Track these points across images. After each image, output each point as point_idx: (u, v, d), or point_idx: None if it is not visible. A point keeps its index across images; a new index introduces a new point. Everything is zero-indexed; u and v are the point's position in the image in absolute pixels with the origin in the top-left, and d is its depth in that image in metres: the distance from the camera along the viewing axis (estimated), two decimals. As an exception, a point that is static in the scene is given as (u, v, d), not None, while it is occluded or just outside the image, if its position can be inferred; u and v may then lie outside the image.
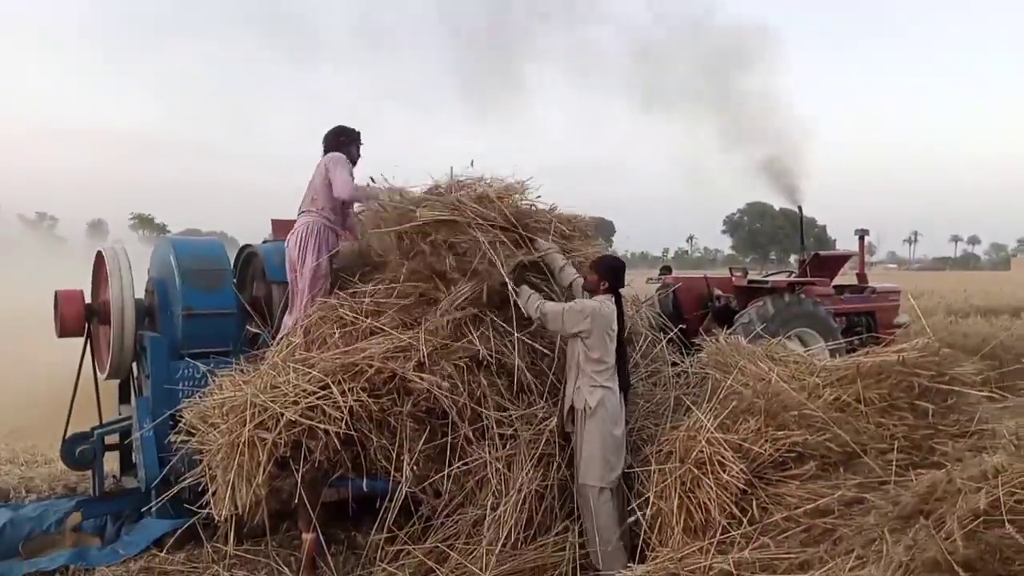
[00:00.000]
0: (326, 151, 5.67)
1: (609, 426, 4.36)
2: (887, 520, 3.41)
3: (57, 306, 5.60)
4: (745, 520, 3.88)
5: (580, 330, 4.42)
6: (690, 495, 4.07)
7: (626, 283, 4.82)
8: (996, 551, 2.92)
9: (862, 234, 11.17)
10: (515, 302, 4.63)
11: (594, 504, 4.30)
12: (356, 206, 5.75)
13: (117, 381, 6.10)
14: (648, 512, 4.18)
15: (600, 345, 4.41)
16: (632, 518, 4.32)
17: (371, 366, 4.27)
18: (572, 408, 4.46)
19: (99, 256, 5.79)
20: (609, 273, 4.59)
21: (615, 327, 4.50)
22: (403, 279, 4.90)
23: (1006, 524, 2.92)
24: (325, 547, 4.51)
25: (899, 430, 4.32)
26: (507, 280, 4.58)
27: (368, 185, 5.42)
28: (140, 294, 5.72)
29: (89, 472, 5.78)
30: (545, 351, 4.91)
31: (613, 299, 4.56)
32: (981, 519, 2.99)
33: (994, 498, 3.01)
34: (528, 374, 4.74)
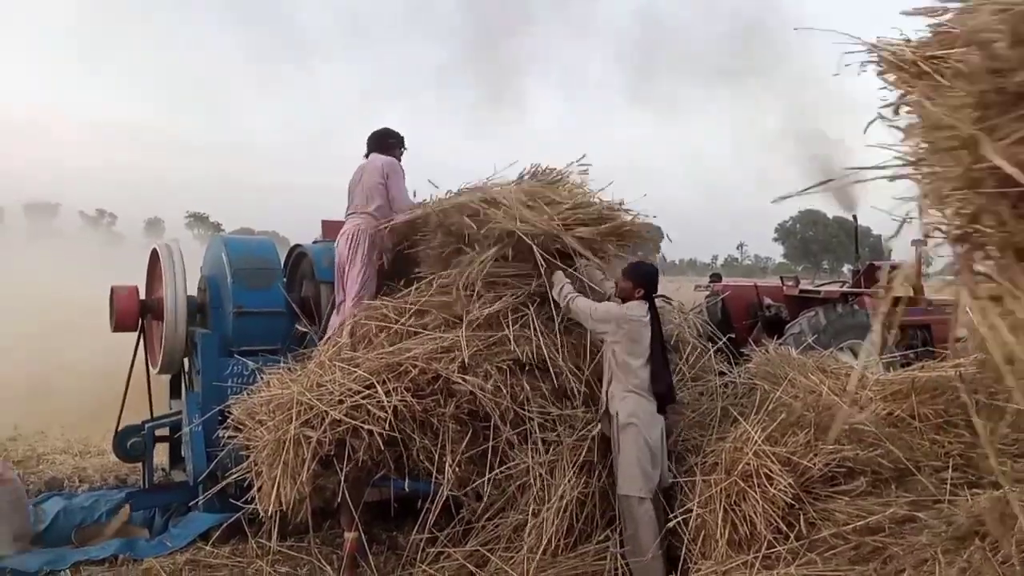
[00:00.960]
0: (372, 151, 5.72)
1: (644, 435, 4.31)
2: (940, 540, 3.32)
3: (112, 301, 5.73)
4: (792, 535, 3.80)
5: (603, 332, 4.46)
6: (735, 508, 4.00)
7: (673, 290, 4.78)
8: (1056, 577, 2.82)
9: (918, 244, 10.87)
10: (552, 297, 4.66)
11: (635, 514, 4.25)
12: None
13: (168, 376, 6.23)
14: (692, 524, 4.12)
15: (630, 351, 4.39)
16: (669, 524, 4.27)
17: (415, 366, 4.29)
18: (607, 412, 4.43)
19: (154, 253, 5.92)
20: (642, 279, 4.57)
21: (647, 333, 4.46)
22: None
23: (1067, 549, 2.82)
24: (367, 546, 4.53)
25: (954, 448, 4.19)
26: (537, 253, 4.61)
27: (423, 201, 5.51)
28: (193, 291, 5.83)
29: (139, 464, 5.91)
30: (589, 353, 4.89)
31: (646, 305, 4.52)
32: (1041, 543, 2.89)
33: (1055, 521, 2.90)
34: (572, 378, 4.72)
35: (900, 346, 8.87)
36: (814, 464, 3.98)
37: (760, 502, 3.89)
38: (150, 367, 6.07)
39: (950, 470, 4.00)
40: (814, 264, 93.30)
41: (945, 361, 4.66)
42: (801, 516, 3.85)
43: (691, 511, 4.12)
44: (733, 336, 8.68)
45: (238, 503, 4.53)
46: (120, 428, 5.71)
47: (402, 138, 5.88)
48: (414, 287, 5.07)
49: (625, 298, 4.58)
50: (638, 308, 4.49)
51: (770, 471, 3.96)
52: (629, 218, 5.10)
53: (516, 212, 4.67)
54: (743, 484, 3.99)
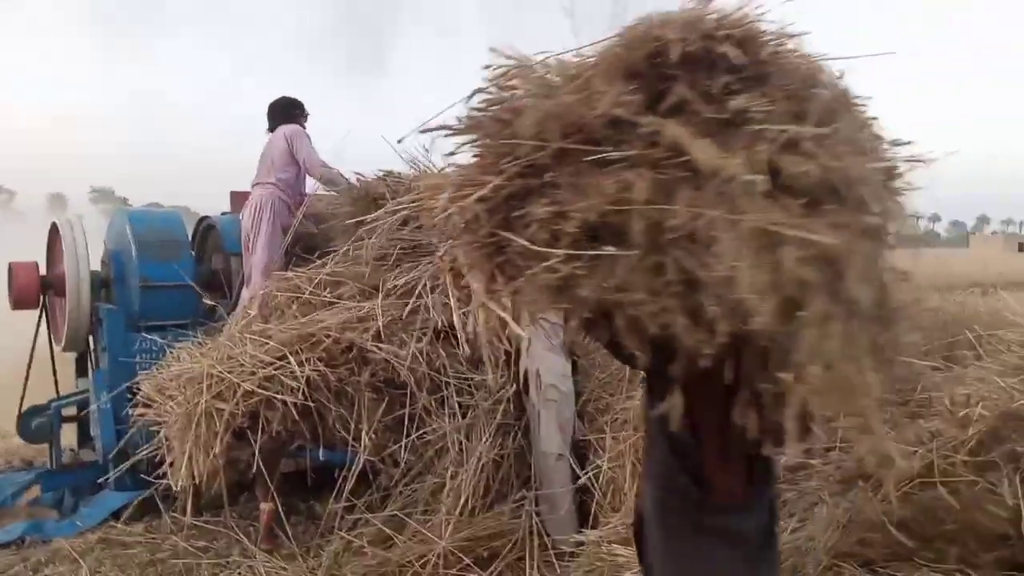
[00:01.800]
0: (276, 123, 5.67)
1: (562, 392, 4.43)
2: (829, 484, 3.54)
3: (11, 278, 5.53)
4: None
5: None
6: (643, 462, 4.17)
7: None
8: (929, 512, 3.05)
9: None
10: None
11: (551, 471, 4.37)
12: (312, 184, 5.75)
13: (74, 354, 6.06)
14: (602, 479, 4.27)
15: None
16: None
17: (328, 336, 4.29)
18: (527, 372, 4.51)
19: (54, 228, 5.72)
20: None
21: None
22: None
23: (938, 485, 3.05)
24: (284, 517, 4.54)
25: (846, 399, 4.45)
26: None
27: (335, 169, 5.49)
28: (97, 267, 5.67)
29: (46, 445, 5.75)
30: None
31: None
32: (916, 481, 3.13)
33: (928, 462, 3.14)
34: (488, 344, 4.79)
35: None
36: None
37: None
38: (54, 345, 5.88)
39: (842, 418, 4.24)
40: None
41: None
42: (705, 466, 4.04)
43: (601, 468, 4.27)
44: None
45: (150, 479, 4.47)
46: (24, 409, 5.53)
47: (302, 105, 5.83)
48: (328, 258, 5.06)
49: None
50: None
51: (675, 426, 4.13)
52: None
53: None
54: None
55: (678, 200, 1.45)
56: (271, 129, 5.74)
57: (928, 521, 3.03)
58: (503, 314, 1.70)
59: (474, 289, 1.71)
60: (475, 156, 1.73)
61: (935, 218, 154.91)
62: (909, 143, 1.96)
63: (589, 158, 1.55)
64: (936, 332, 6.00)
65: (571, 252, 1.53)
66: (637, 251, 1.47)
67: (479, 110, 1.72)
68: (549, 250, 1.54)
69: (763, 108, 1.48)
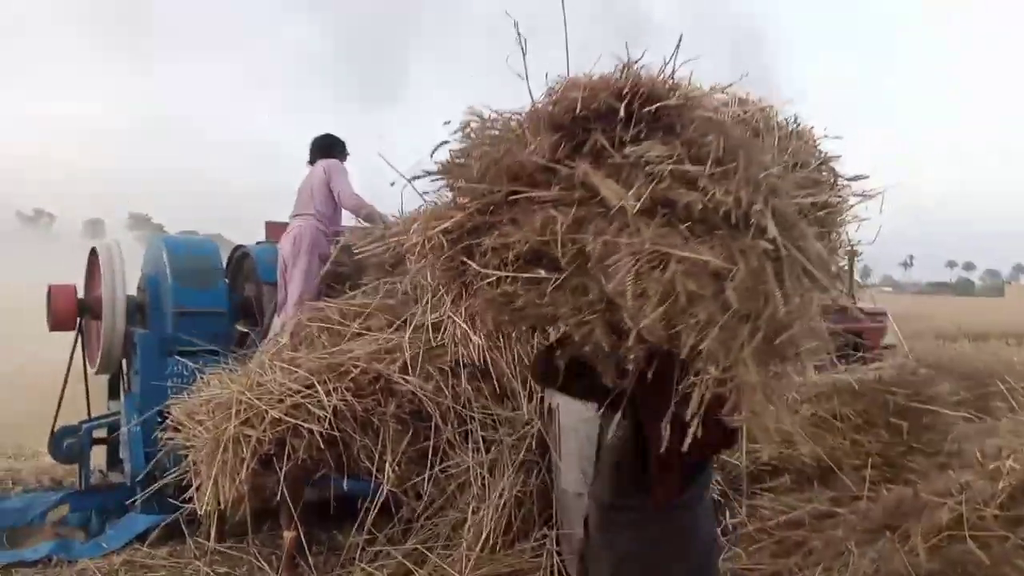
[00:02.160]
0: (315, 158, 5.81)
1: (585, 430, 4.41)
2: (856, 534, 3.50)
3: (50, 300, 5.65)
4: (719, 531, 3.95)
5: None
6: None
7: None
8: (958, 566, 3.00)
9: (850, 255, 11.23)
10: None
11: (570, 509, 4.34)
12: (348, 217, 5.86)
13: (107, 377, 6.16)
14: None
15: None
16: None
17: (356, 366, 4.34)
18: (549, 407, 4.50)
19: (93, 252, 5.86)
20: None
21: None
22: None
23: (968, 539, 3.00)
24: (306, 546, 4.55)
25: (874, 447, 4.41)
26: None
27: (370, 205, 5.60)
28: (133, 291, 5.78)
29: (76, 466, 5.82)
30: (530, 356, 4.98)
31: None
32: (944, 534, 3.08)
33: (957, 514, 3.09)
34: (515, 379, 4.81)
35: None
36: (739, 462, 4.15)
37: (689, 499, 4.04)
38: (88, 367, 5.99)
39: (868, 468, 4.20)
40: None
41: (866, 365, 4.89)
42: (728, 512, 4.01)
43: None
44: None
45: (176, 503, 4.52)
46: (56, 429, 5.62)
47: (343, 143, 5.99)
48: (359, 291, 5.13)
49: None
50: None
51: (699, 469, 4.11)
52: None
53: None
54: (673, 482, 4.14)
55: (590, 230, 1.80)
56: (311, 163, 5.88)
57: (957, 575, 2.97)
58: (463, 325, 2.29)
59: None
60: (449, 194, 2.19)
61: (970, 266, 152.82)
62: (860, 177, 2.57)
63: (526, 196, 1.92)
64: (969, 382, 5.93)
65: (506, 274, 1.93)
66: (558, 274, 1.84)
67: (452, 157, 2.15)
68: (490, 271, 1.94)
69: (660, 153, 1.81)
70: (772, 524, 3.89)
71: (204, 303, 5.48)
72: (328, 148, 5.91)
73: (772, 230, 1.79)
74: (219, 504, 4.13)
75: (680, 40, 2.05)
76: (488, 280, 1.95)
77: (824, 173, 2.67)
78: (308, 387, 4.24)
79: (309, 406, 4.16)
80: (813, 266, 1.90)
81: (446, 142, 2.15)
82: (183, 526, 4.79)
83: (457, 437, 4.52)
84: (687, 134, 1.88)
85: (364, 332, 4.70)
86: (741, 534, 3.93)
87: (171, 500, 4.64)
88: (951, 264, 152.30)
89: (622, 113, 1.89)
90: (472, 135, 2.12)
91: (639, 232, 1.74)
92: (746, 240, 1.75)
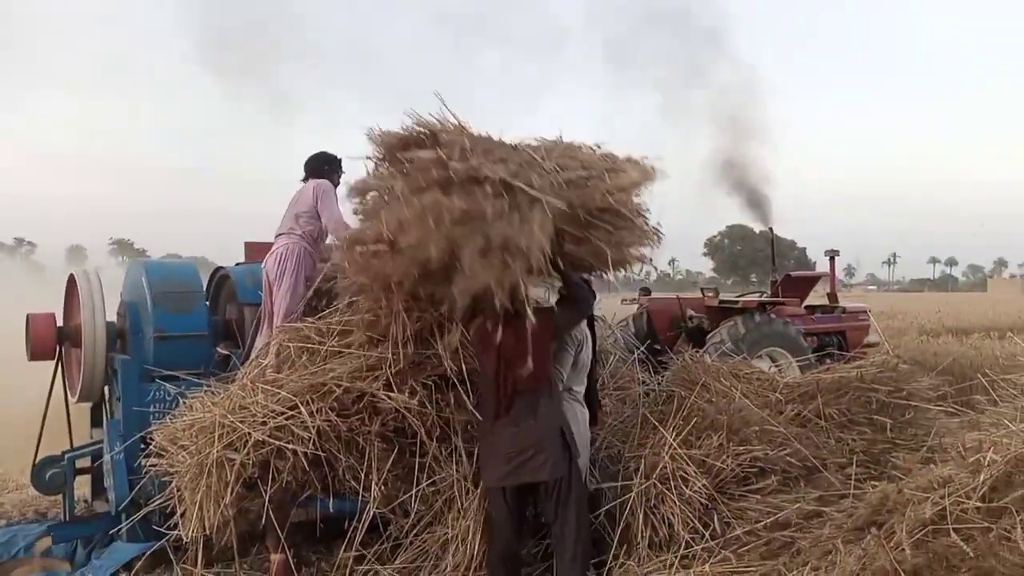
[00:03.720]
0: (308, 176, 5.77)
1: (580, 442, 4.37)
2: (842, 532, 3.51)
3: (28, 329, 5.60)
4: (707, 534, 3.96)
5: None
6: (654, 511, 4.15)
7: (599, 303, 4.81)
8: (942, 559, 3.02)
9: (832, 255, 11.36)
10: None
11: None
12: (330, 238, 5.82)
13: (89, 405, 6.10)
14: (617, 528, 4.24)
15: (564, 364, 4.41)
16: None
17: (339, 386, 4.31)
18: None
19: (71, 279, 5.81)
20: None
21: (588, 352, 4.45)
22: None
23: (951, 533, 3.02)
24: (294, 568, 4.52)
25: (858, 444, 4.43)
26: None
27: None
28: (113, 317, 5.74)
29: (59, 497, 5.76)
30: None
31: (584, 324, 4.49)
32: (928, 528, 3.09)
33: (940, 508, 3.11)
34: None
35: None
36: (727, 465, 4.16)
37: (677, 504, 4.05)
38: (69, 395, 5.93)
39: (854, 466, 4.22)
40: (743, 277, 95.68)
41: (848, 364, 4.92)
42: (716, 515, 4.01)
43: (614, 515, 4.24)
44: (658, 347, 8.94)
45: (162, 530, 4.48)
46: (38, 460, 5.56)
47: (339, 162, 5.89)
48: (337, 307, 5.10)
49: None
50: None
51: (686, 473, 4.12)
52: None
53: None
54: (661, 487, 4.15)
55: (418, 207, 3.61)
56: (304, 180, 5.83)
57: (942, 569, 2.99)
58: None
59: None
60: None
61: (952, 262, 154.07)
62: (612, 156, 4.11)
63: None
64: (951, 377, 5.97)
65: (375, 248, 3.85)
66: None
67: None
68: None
69: (429, 156, 3.66)
70: (760, 526, 3.89)
71: (185, 327, 5.45)
72: (319, 166, 5.85)
73: (495, 173, 3.48)
74: (204, 529, 4.10)
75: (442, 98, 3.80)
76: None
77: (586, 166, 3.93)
78: (291, 408, 4.22)
79: (293, 427, 4.14)
80: (540, 193, 3.52)
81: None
82: (170, 553, 4.73)
83: (443, 451, 4.51)
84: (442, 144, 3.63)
85: (343, 350, 4.67)
86: (730, 537, 3.93)
87: (156, 527, 4.60)
88: (934, 260, 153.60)
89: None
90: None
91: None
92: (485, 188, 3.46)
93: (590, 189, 3.84)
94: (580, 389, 4.41)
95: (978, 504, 3.06)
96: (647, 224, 4.14)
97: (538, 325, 3.83)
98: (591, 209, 3.84)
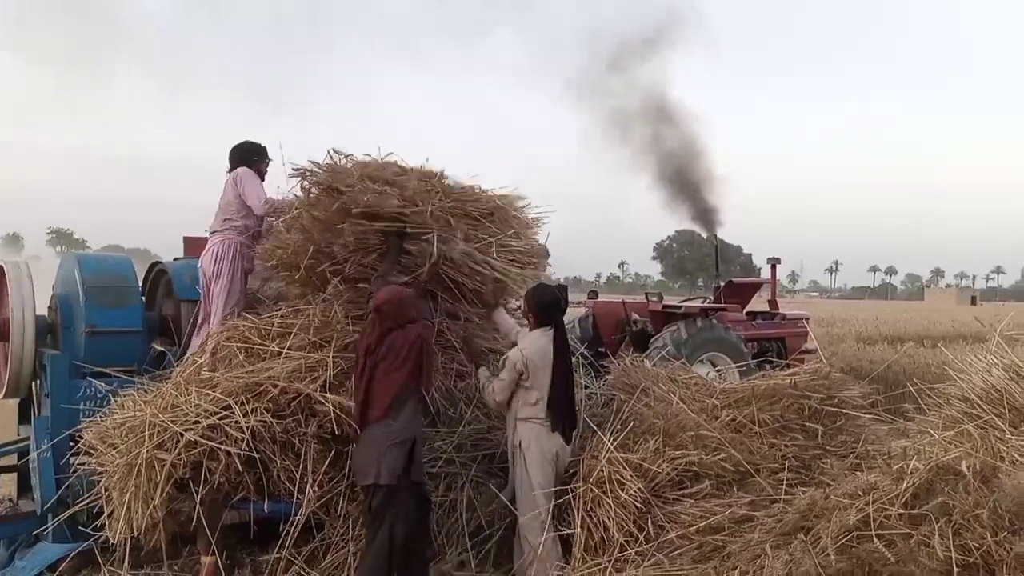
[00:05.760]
0: (233, 167, 5.62)
1: (540, 461, 4.32)
2: (771, 536, 3.57)
3: (-47, 322, 5.40)
4: (642, 538, 4.00)
5: (520, 376, 4.34)
6: (591, 514, 4.17)
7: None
8: (865, 564, 3.09)
9: (774, 262, 11.58)
10: None
11: (535, 542, 4.24)
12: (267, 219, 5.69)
13: (17, 401, 5.92)
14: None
15: (529, 384, 4.34)
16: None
17: (275, 386, 4.25)
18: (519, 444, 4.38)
19: (0, 271, 5.62)
20: (538, 309, 4.49)
21: (546, 370, 4.36)
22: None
23: (874, 538, 3.10)
24: (224, 571, 4.44)
25: (790, 450, 4.52)
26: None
27: (280, 198, 5.38)
28: (44, 311, 5.57)
29: (-16, 496, 5.57)
30: (459, 377, 5.02)
31: (551, 333, 4.43)
32: (853, 534, 3.17)
33: (865, 515, 3.19)
34: (440, 399, 4.82)
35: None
36: (662, 469, 4.21)
37: (613, 507, 4.08)
38: (-5, 392, 5.73)
39: (786, 471, 4.31)
40: (690, 281, 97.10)
41: (785, 370, 5.02)
42: (650, 519, 4.05)
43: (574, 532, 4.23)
44: (602, 350, 8.99)
45: (89, 531, 4.36)
46: (-39, 457, 5.37)
47: (264, 150, 5.73)
48: (279, 310, 5.04)
49: (532, 327, 4.53)
50: (537, 341, 4.42)
51: (622, 477, 4.15)
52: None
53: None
54: (597, 491, 4.17)
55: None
56: (231, 171, 5.67)
57: (864, 574, 3.06)
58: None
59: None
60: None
61: (891, 271, 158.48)
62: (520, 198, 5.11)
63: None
64: (883, 384, 6.13)
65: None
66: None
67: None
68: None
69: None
70: (693, 530, 3.94)
71: (118, 322, 5.30)
72: (244, 155, 5.68)
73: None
74: (132, 531, 4.01)
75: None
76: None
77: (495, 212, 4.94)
78: (225, 408, 4.15)
79: (226, 428, 4.07)
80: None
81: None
82: (97, 555, 4.61)
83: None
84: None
85: (283, 351, 4.61)
86: (664, 540, 3.97)
87: (83, 528, 4.48)
88: (874, 269, 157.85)
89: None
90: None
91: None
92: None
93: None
94: (530, 413, 4.36)
95: (900, 511, 3.15)
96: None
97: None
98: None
